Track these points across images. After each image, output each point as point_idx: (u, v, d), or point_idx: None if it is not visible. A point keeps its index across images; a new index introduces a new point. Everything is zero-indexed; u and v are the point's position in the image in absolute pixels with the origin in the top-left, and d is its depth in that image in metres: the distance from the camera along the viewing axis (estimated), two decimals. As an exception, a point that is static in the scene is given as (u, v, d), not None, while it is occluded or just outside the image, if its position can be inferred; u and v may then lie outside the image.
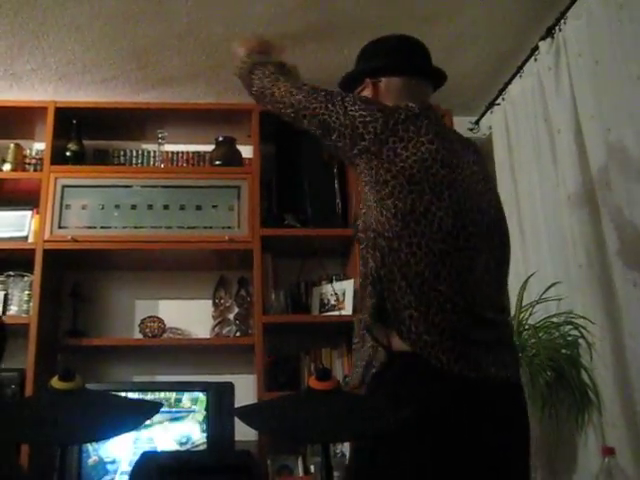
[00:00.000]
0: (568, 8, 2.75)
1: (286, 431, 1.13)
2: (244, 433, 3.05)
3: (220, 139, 3.53)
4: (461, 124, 3.63)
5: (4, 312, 3.20)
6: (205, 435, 2.93)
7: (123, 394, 2.96)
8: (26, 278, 3.26)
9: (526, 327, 2.81)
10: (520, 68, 3.19)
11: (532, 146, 3.10)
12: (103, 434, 1.06)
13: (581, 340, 2.65)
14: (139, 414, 1.08)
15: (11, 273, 3.29)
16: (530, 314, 2.83)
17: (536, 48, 3.00)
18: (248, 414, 1.21)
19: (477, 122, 3.72)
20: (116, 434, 1.07)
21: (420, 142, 1.59)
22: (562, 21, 2.79)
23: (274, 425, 1.14)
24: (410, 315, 1.49)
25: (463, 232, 1.57)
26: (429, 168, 1.57)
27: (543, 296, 2.82)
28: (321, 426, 1.11)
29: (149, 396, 3.00)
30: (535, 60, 3.04)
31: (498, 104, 3.47)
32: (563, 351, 2.72)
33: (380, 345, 1.52)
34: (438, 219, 1.55)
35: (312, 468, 3.12)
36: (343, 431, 1.14)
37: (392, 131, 1.59)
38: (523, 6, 2.95)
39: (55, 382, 1.11)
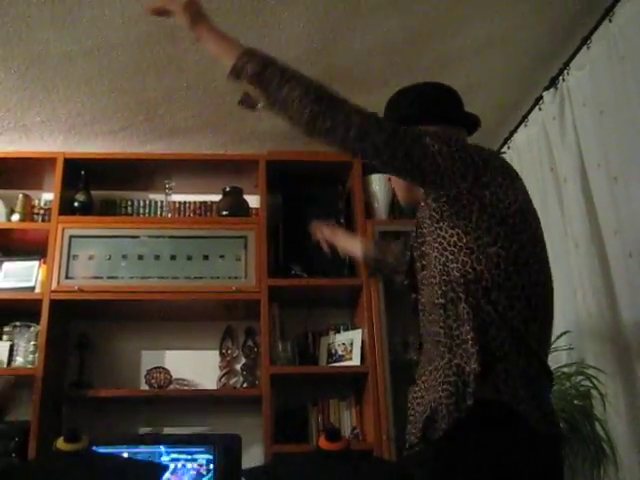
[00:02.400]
0: (571, 58, 2.79)
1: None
2: (251, 487, 3.01)
3: (227, 189, 3.55)
4: (467, 172, 3.64)
5: (9, 363, 3.18)
6: (211, 489, 2.88)
7: (129, 448, 2.94)
8: (32, 328, 3.25)
9: (537, 378, 2.76)
10: (525, 117, 3.22)
11: (538, 194, 3.10)
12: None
13: (593, 391, 2.61)
14: (145, 477, 1.06)
15: (17, 323, 3.27)
16: (541, 364, 2.79)
17: (540, 98, 3.03)
18: (258, 476, 1.18)
19: (483, 170, 3.73)
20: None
21: (516, 190, 1.54)
22: (565, 71, 2.83)
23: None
24: (506, 368, 1.43)
25: (548, 285, 1.55)
26: (526, 218, 1.53)
27: (553, 345, 2.79)
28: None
29: (160, 448, 2.96)
30: (540, 109, 3.06)
31: (504, 152, 3.48)
32: (575, 402, 2.67)
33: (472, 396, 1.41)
34: (535, 272, 1.51)
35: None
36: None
37: (493, 175, 1.51)
38: (527, 57, 2.99)
39: (60, 443, 1.08)
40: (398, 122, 1.66)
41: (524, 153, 3.28)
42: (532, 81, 3.11)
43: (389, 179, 1.90)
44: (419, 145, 1.48)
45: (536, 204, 3.06)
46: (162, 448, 2.96)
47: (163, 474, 1.07)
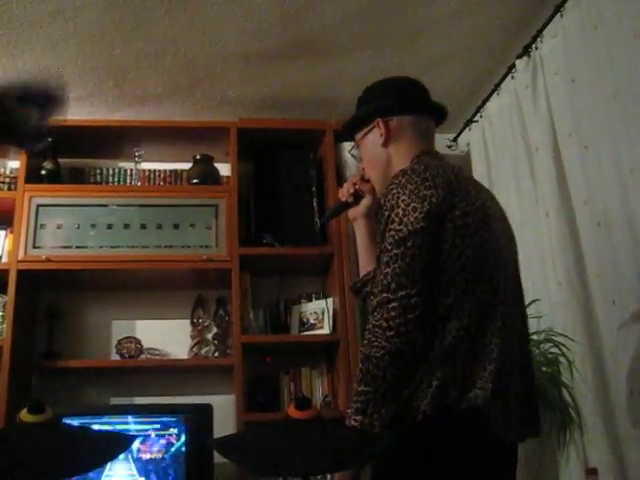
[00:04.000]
0: (544, 27, 2.77)
1: (265, 464, 1.10)
2: (223, 455, 3.02)
3: (198, 157, 3.50)
4: (439, 141, 3.59)
5: (-23, 334, 3.13)
6: (184, 456, 2.88)
7: (98, 418, 2.93)
8: (0, 299, 3.20)
9: (506, 345, 2.80)
10: (497, 86, 3.20)
11: (510, 163, 3.11)
12: (75, 470, 1.02)
13: (561, 358, 2.64)
14: (112, 448, 1.05)
15: (-16, 294, 3.22)
16: (510, 332, 2.82)
17: (513, 66, 3.02)
18: (226, 446, 1.17)
19: (455, 139, 3.73)
20: (90, 469, 1.03)
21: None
22: (538, 39, 2.82)
23: (252, 458, 1.11)
24: None
25: None
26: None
27: (523, 313, 2.81)
28: (302, 457, 1.08)
29: (129, 419, 2.95)
30: (512, 78, 3.05)
31: (476, 121, 3.48)
32: (543, 369, 2.71)
33: None
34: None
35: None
36: (324, 462, 1.11)
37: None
38: (500, 25, 2.97)
39: (24, 415, 1.07)
40: (378, 111, 1.78)
41: (496, 122, 3.27)
42: (505, 50, 3.10)
43: (362, 168, 1.90)
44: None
45: (507, 173, 3.14)
46: (129, 418, 2.96)
47: (130, 445, 1.06)
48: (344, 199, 1.94)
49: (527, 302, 2.73)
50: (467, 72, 3.33)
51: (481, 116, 3.43)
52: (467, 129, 3.59)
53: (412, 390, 1.45)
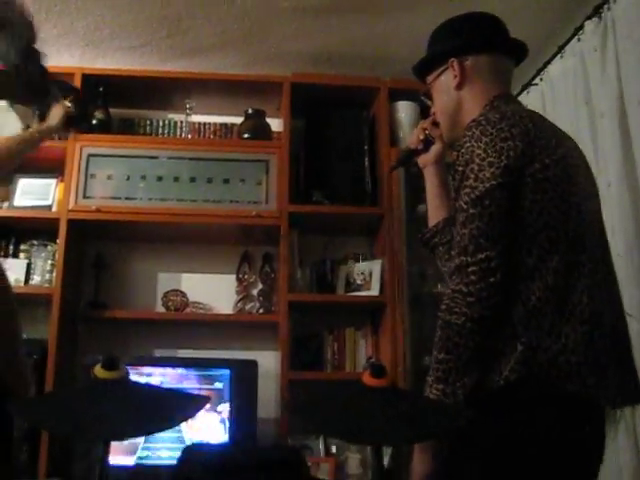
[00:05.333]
0: (618, -14, 2.64)
1: (342, 433, 1.08)
2: (266, 410, 3.05)
3: (249, 111, 3.45)
4: (496, 104, 3.54)
5: (27, 281, 3.17)
6: (229, 411, 2.90)
7: (144, 369, 2.96)
8: (49, 247, 3.22)
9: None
10: (562, 48, 3.07)
11: (571, 130, 2.97)
12: (149, 429, 1.01)
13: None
14: (187, 408, 1.03)
15: (35, 242, 3.25)
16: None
17: (581, 27, 2.89)
18: (303, 412, 1.15)
19: (512, 102, 3.62)
20: (162, 429, 1.02)
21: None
22: (611, 0, 2.69)
23: (330, 426, 1.08)
24: None
25: None
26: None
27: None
28: (378, 427, 1.06)
29: (170, 370, 2.97)
30: (579, 40, 2.92)
31: (535, 84, 3.36)
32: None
33: None
34: None
35: (333, 449, 3.09)
36: (398, 433, 1.08)
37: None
38: (570, -17, 2.85)
39: (99, 371, 1.05)
40: (451, 52, 1.68)
41: (558, 86, 3.15)
42: (572, 10, 2.97)
43: (434, 113, 1.80)
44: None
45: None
46: (174, 370, 2.98)
47: (204, 405, 1.05)
48: (413, 146, 1.88)
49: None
50: (529, 32, 3.15)
51: (541, 79, 3.31)
52: (525, 92, 3.47)
53: (496, 356, 1.39)
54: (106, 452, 1.03)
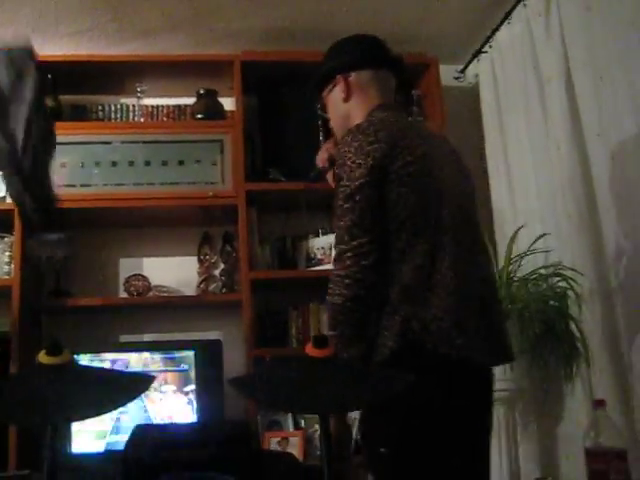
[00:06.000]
0: (558, -49, 2.67)
1: (284, 403, 1.10)
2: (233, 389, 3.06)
3: (201, 92, 3.43)
4: (447, 73, 3.57)
5: (-15, 274, 3.14)
6: (195, 392, 2.93)
7: (110, 355, 2.96)
8: (6, 239, 3.18)
9: (515, 279, 2.81)
10: (508, 14, 3.11)
11: (521, 95, 3.05)
12: (95, 411, 1.02)
13: (570, 292, 2.65)
14: (132, 389, 1.05)
15: (-10, 234, 3.21)
16: (519, 266, 2.83)
17: (526, -7, 2.92)
18: (244, 385, 1.17)
19: (463, 71, 3.65)
20: (109, 410, 1.04)
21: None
22: (553, -35, 2.72)
23: (271, 397, 1.11)
24: None
25: None
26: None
27: (532, 248, 2.81)
28: (321, 396, 1.08)
29: (134, 355, 2.98)
30: (524, 6, 2.96)
31: (485, 52, 3.39)
32: (551, 303, 2.73)
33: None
34: None
35: (302, 423, 3.13)
36: (344, 401, 1.11)
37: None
38: (512, -51, 2.86)
39: (42, 357, 1.06)
40: (338, 69, 1.93)
41: (506, 52, 3.19)
42: (517, -25, 3.00)
43: (326, 112, 2.06)
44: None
45: (517, 105, 3.08)
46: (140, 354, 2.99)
47: (150, 385, 1.07)
48: (320, 164, 2.13)
49: (537, 236, 2.78)
50: (475, 1, 3.23)
51: (490, 46, 3.34)
52: (475, 60, 3.51)
53: (379, 330, 1.61)
54: (54, 437, 1.04)
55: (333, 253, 1.69)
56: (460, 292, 1.64)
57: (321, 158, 2.13)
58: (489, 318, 1.73)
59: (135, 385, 1.06)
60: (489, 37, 3.32)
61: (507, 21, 3.13)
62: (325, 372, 1.15)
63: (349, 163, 1.66)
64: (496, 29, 3.24)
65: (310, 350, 1.18)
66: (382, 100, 1.89)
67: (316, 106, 3.37)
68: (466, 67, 3.62)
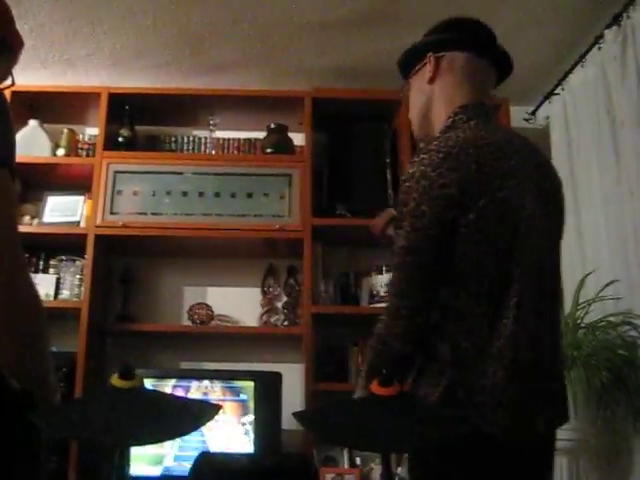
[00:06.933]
0: (637, -6, 2.64)
1: (349, 440, 1.10)
2: (291, 421, 3.06)
3: (272, 126, 3.50)
4: (517, 114, 3.55)
5: (56, 296, 3.24)
6: (253, 423, 2.93)
7: (171, 381, 3.00)
8: (78, 262, 3.29)
9: (582, 326, 2.74)
10: (582, 57, 3.08)
11: (593, 139, 3.00)
12: (164, 436, 1.04)
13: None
14: (200, 417, 1.06)
15: (63, 257, 3.32)
16: (586, 313, 2.77)
17: (601, 36, 2.89)
18: (308, 418, 1.17)
19: (534, 112, 3.62)
20: (176, 436, 1.05)
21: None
22: (630, 8, 2.69)
23: (335, 433, 1.10)
24: None
25: None
26: None
27: (600, 294, 2.75)
28: (384, 435, 1.07)
29: (195, 382, 3.01)
30: (599, 49, 2.93)
31: (557, 94, 3.37)
32: (620, 352, 2.65)
33: None
34: None
35: (358, 460, 3.10)
36: (409, 441, 1.10)
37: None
38: (588, -8, 2.84)
39: (115, 380, 1.09)
40: (430, 46, 1.67)
41: (579, 95, 3.15)
42: (592, 19, 2.96)
43: (406, 108, 1.80)
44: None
45: (589, 149, 3.03)
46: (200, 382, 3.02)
47: (217, 413, 1.08)
48: (377, 232, 2.11)
49: (605, 283, 2.71)
50: (549, 42, 3.21)
51: (563, 89, 3.32)
52: (547, 102, 3.48)
53: (429, 389, 1.46)
54: (121, 458, 1.06)
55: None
56: (518, 363, 1.43)
57: (378, 226, 2.06)
58: (548, 385, 1.52)
59: (203, 413, 1.07)
60: (562, 79, 3.30)
61: (581, 63, 3.10)
62: (390, 411, 1.14)
63: (413, 206, 1.46)
64: (569, 71, 3.22)
65: (375, 388, 1.17)
66: (472, 96, 1.62)
67: (385, 143, 3.44)
68: (537, 109, 3.59)
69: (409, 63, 1.73)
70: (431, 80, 1.65)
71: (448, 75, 1.64)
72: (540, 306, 1.52)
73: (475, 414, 1.40)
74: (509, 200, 1.48)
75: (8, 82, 1.58)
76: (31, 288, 1.24)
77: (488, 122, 1.61)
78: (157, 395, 1.20)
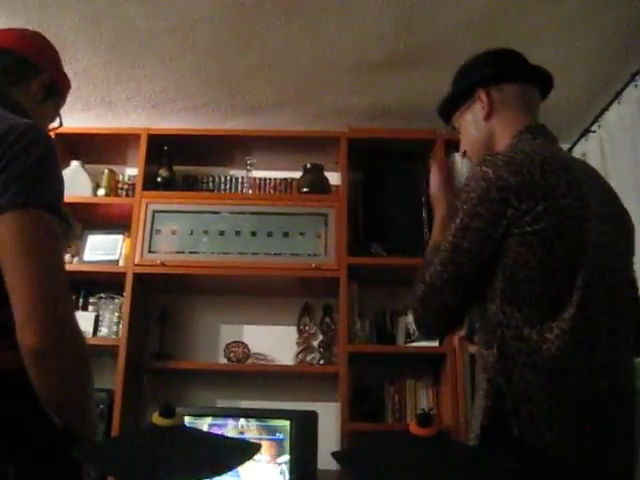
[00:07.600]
0: (672, 32, 2.64)
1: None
2: (326, 461, 3.03)
3: (308, 166, 3.54)
4: (553, 152, 3.53)
5: (95, 333, 3.28)
6: (289, 462, 2.91)
7: (208, 419, 3.00)
8: (116, 300, 3.34)
9: None
10: (619, 94, 3.07)
11: (631, 177, 2.97)
12: (203, 475, 1.04)
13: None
14: (239, 456, 1.07)
15: (102, 295, 3.37)
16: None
17: (637, 73, 2.89)
18: (348, 460, 1.17)
19: (570, 149, 3.60)
20: (216, 475, 1.06)
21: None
22: (666, 46, 2.69)
23: (374, 475, 1.10)
24: None
25: None
26: None
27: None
28: (423, 476, 1.07)
29: (231, 421, 3.01)
30: (635, 86, 2.92)
31: (593, 131, 3.35)
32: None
33: None
34: None
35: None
36: (447, 481, 1.09)
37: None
38: (624, 28, 2.84)
39: (156, 418, 1.10)
40: (479, 81, 1.66)
41: (616, 132, 3.14)
42: (627, 55, 2.96)
43: (464, 152, 1.75)
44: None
45: (627, 187, 3.00)
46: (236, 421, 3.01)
47: (257, 452, 1.08)
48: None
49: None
50: (585, 80, 3.21)
51: (599, 126, 3.30)
52: (583, 139, 3.46)
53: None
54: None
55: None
56: (566, 379, 1.34)
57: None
58: (610, 418, 1.37)
59: (243, 452, 1.08)
60: (598, 116, 3.29)
61: (617, 100, 3.09)
62: (428, 453, 1.13)
63: (470, 206, 1.42)
64: (605, 108, 3.21)
65: (414, 429, 1.16)
66: (531, 119, 1.62)
67: (421, 182, 3.45)
68: (573, 146, 3.58)
69: (454, 104, 1.73)
70: (488, 115, 1.64)
71: (503, 107, 1.64)
72: (613, 337, 1.42)
73: (517, 424, 1.32)
74: (571, 209, 1.41)
75: (56, 124, 1.64)
76: (77, 326, 1.26)
77: (553, 142, 1.61)
78: (197, 433, 1.21)
